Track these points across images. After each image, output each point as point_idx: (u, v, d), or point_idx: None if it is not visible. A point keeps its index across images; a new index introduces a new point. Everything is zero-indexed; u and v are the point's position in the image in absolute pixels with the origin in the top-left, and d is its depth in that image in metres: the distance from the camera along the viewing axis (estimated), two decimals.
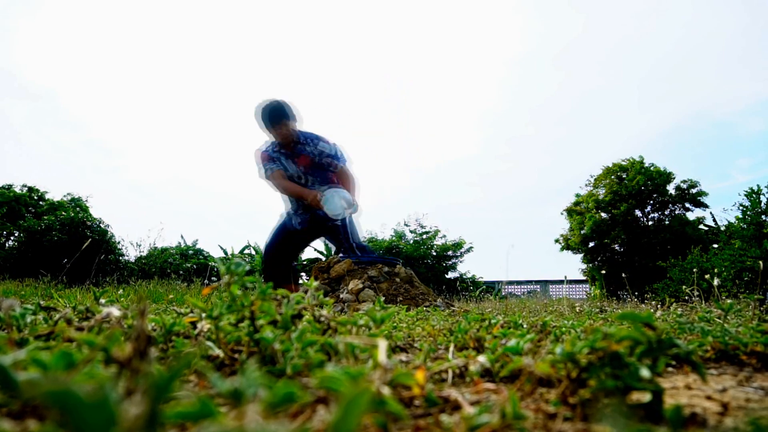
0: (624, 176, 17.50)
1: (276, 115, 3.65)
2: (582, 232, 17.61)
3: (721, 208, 20.70)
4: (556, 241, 18.85)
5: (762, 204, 8.75)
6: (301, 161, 3.82)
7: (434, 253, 16.55)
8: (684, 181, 17.30)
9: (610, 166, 17.96)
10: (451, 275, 16.81)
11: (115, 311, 0.98)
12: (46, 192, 15.99)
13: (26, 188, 15.76)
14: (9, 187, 15.28)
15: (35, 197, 15.68)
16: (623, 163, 17.77)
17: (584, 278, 18.41)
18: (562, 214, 18.87)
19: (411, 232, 17.22)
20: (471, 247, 17.05)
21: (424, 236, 16.96)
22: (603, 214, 17.39)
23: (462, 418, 0.58)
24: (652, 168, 17.24)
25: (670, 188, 17.28)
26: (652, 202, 17.30)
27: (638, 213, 17.39)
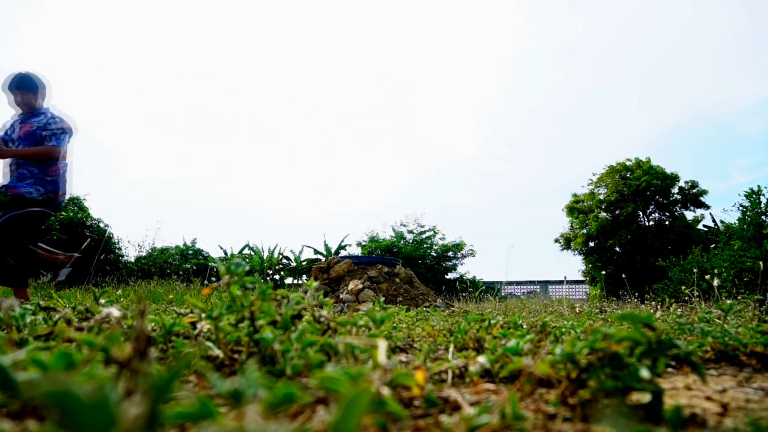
0: (628, 176, 17.45)
1: (19, 84, 3.90)
2: (584, 231, 17.58)
3: (721, 209, 20.68)
4: (556, 240, 18.79)
5: (762, 204, 8.75)
6: (22, 128, 3.94)
7: (434, 254, 16.53)
8: (687, 182, 17.29)
9: (614, 165, 17.92)
10: (450, 276, 16.79)
11: (115, 311, 0.98)
12: None
13: None
14: None
15: None
16: (628, 162, 17.73)
17: (584, 278, 18.38)
18: (563, 210, 18.84)
19: (409, 232, 17.20)
20: (473, 251, 17.02)
21: (423, 236, 16.94)
22: (606, 215, 17.36)
23: (462, 418, 0.58)
24: (658, 169, 17.20)
25: (674, 190, 17.28)
26: (654, 203, 17.28)
27: (639, 213, 17.38)
